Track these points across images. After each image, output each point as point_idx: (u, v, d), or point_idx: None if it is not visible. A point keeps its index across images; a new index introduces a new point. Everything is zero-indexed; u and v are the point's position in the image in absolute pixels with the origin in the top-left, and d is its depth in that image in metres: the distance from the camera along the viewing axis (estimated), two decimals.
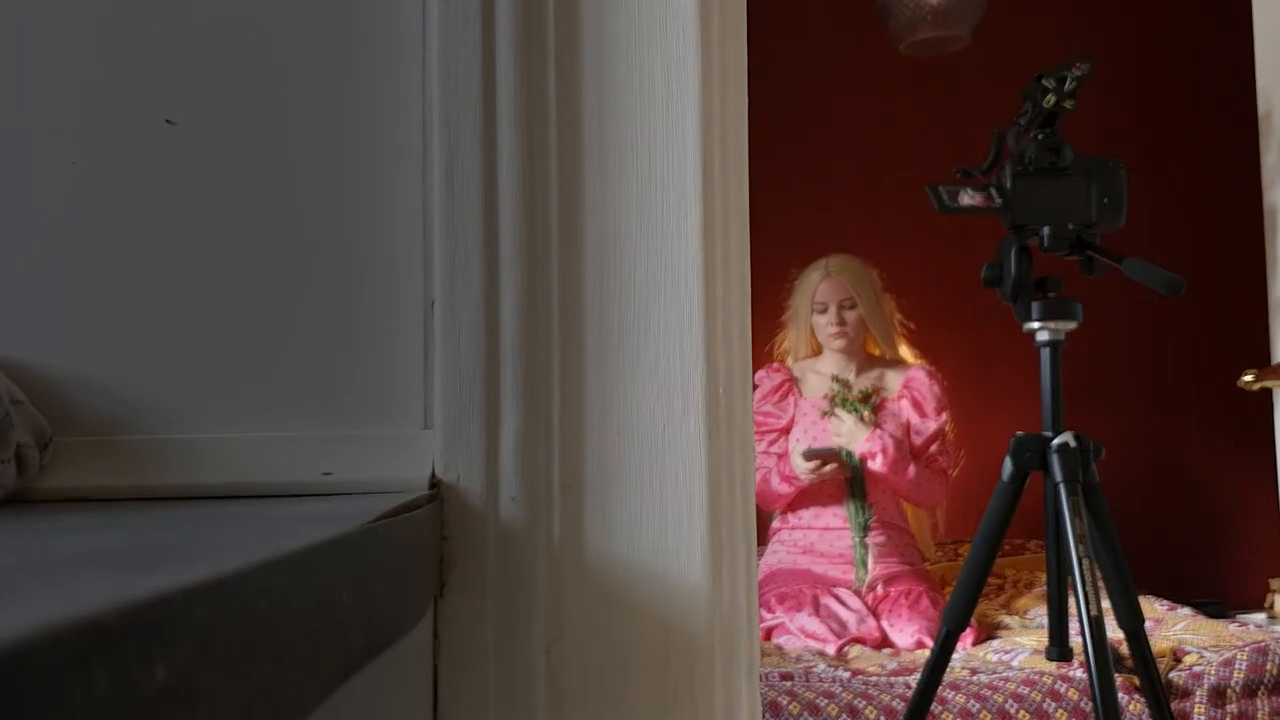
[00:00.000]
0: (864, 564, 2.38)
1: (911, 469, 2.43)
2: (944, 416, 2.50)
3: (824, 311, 2.50)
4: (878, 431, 2.41)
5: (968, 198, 1.60)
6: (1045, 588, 1.64)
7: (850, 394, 2.45)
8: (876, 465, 2.39)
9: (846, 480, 2.42)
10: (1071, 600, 1.52)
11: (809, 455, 2.37)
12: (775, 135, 3.30)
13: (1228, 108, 3.17)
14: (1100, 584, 1.46)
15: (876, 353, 2.60)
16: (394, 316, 0.63)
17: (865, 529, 2.41)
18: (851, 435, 2.41)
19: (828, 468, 2.37)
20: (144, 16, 0.65)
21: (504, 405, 0.60)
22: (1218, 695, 1.82)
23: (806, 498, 2.47)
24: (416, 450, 0.61)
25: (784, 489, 2.43)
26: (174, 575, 0.25)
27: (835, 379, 2.49)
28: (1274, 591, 2.94)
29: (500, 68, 0.61)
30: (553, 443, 0.61)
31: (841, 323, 2.48)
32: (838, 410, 2.44)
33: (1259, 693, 1.83)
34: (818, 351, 2.59)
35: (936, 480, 2.48)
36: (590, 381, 0.61)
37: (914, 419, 2.49)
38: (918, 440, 2.49)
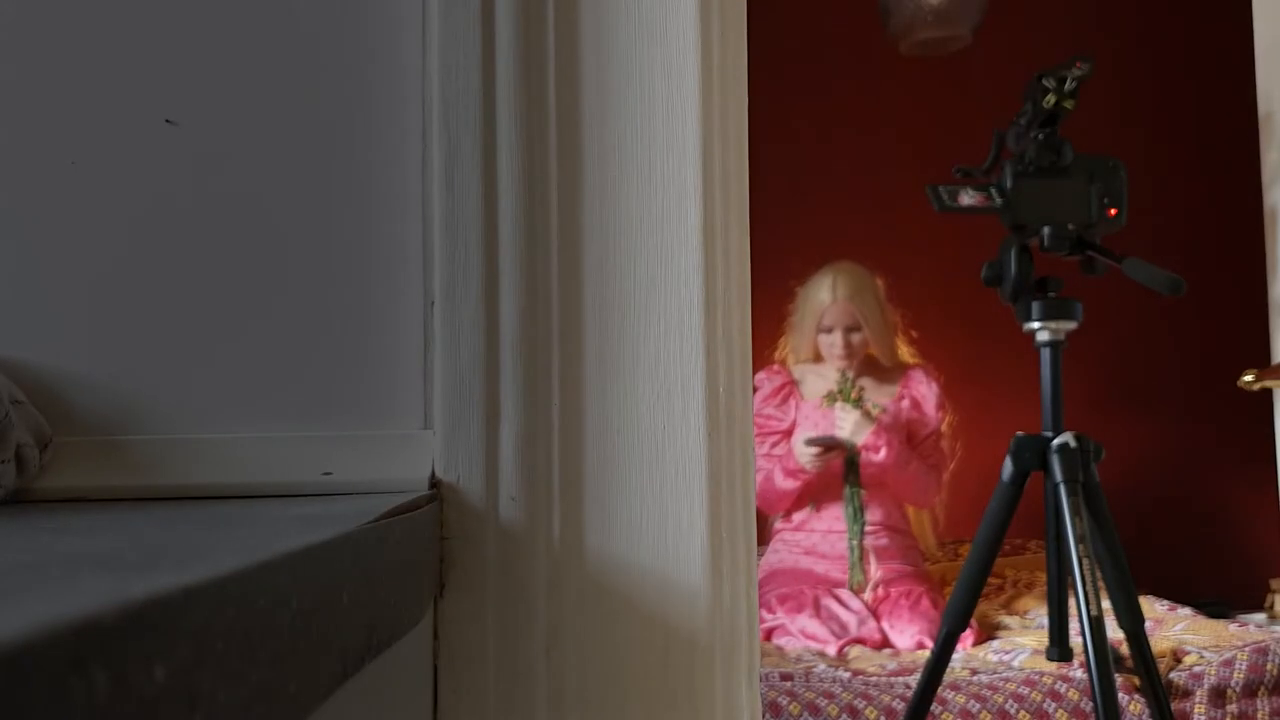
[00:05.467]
0: (859, 567, 2.39)
1: (912, 466, 2.44)
2: (942, 414, 2.52)
3: (830, 333, 2.50)
4: (881, 427, 2.42)
5: (967, 197, 1.60)
6: (1045, 588, 1.64)
7: (854, 390, 2.46)
8: (879, 458, 2.40)
9: (844, 464, 2.44)
10: (1072, 600, 1.52)
11: (811, 442, 2.40)
12: (775, 134, 3.30)
13: (1228, 108, 3.17)
14: (1100, 584, 1.46)
15: (876, 356, 2.60)
16: (394, 316, 0.63)
17: (861, 532, 2.41)
18: (855, 430, 2.42)
19: (831, 452, 2.40)
20: (144, 16, 0.65)
21: (504, 405, 0.60)
22: (1218, 695, 1.82)
23: (808, 493, 2.48)
24: (416, 450, 0.61)
25: (788, 485, 2.44)
26: (173, 575, 0.25)
27: (841, 373, 2.50)
28: (1274, 591, 2.94)
29: (500, 68, 0.61)
30: (552, 443, 0.61)
31: (848, 345, 2.49)
32: (839, 406, 2.45)
33: (1259, 693, 1.83)
34: (819, 358, 2.60)
35: (932, 477, 2.50)
36: (590, 381, 0.61)
37: (914, 416, 2.50)
38: (918, 435, 2.51)
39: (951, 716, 1.76)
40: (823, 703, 1.76)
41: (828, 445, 2.40)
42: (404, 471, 0.61)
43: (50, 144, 0.64)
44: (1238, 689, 1.82)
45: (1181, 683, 1.84)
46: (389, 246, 0.63)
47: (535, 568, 0.60)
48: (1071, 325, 1.60)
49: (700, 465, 0.61)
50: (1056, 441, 1.56)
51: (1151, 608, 2.29)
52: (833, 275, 2.51)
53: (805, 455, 2.40)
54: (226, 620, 0.26)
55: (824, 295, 2.49)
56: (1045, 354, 1.61)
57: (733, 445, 0.63)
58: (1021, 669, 1.94)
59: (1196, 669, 1.86)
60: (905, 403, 2.51)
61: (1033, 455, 1.58)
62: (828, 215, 3.38)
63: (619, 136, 0.62)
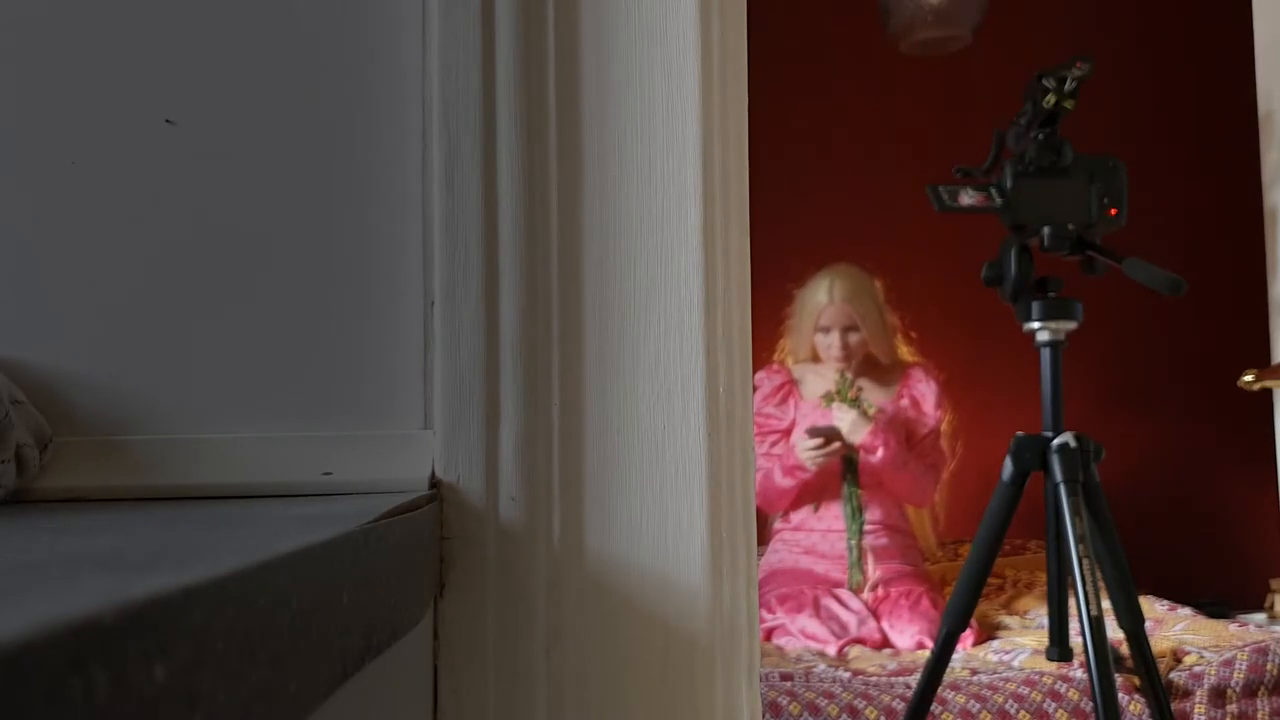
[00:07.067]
0: (858, 566, 2.39)
1: (911, 466, 2.44)
2: (941, 413, 2.52)
3: (827, 333, 2.51)
4: (879, 428, 2.42)
5: (967, 197, 1.60)
6: (1045, 588, 1.64)
7: (851, 390, 2.47)
8: (876, 458, 2.41)
9: (843, 460, 2.44)
10: (1072, 600, 1.52)
11: (813, 433, 2.39)
12: (775, 134, 3.30)
13: (1228, 108, 3.17)
14: (1100, 584, 1.46)
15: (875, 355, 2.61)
16: (394, 316, 0.63)
17: (860, 531, 2.42)
18: (852, 430, 2.43)
19: (833, 446, 2.39)
20: (144, 16, 0.65)
21: (504, 405, 0.60)
22: (1218, 695, 1.82)
23: (808, 493, 2.47)
24: (416, 450, 0.61)
25: (787, 483, 2.44)
26: (173, 575, 0.25)
27: (840, 373, 2.50)
28: (1274, 591, 2.94)
29: (500, 68, 0.61)
30: (552, 443, 0.61)
31: (845, 346, 2.50)
32: (836, 406, 2.45)
33: (1259, 693, 1.83)
34: (818, 359, 2.60)
35: (929, 476, 2.50)
36: (590, 381, 0.61)
37: (912, 415, 2.51)
38: (916, 434, 2.51)
39: (951, 716, 1.76)
40: (823, 703, 1.76)
41: (829, 436, 2.39)
42: (404, 471, 0.61)
43: (50, 144, 0.64)
44: (1238, 689, 1.82)
45: (1181, 683, 1.84)
46: (389, 246, 0.63)
47: (535, 568, 0.60)
48: (1071, 325, 1.60)
49: (700, 465, 0.61)
50: (1056, 441, 1.56)
51: (1151, 608, 2.29)
52: (830, 277, 2.52)
53: (806, 449, 2.40)
54: (226, 620, 0.26)
55: (821, 297, 2.50)
56: (1045, 354, 1.61)
57: (733, 445, 0.63)
58: (1021, 669, 1.94)
59: (1196, 669, 1.86)
60: (904, 401, 2.52)
61: (1033, 455, 1.58)
62: (827, 215, 3.38)
63: (619, 136, 0.62)
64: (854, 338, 2.50)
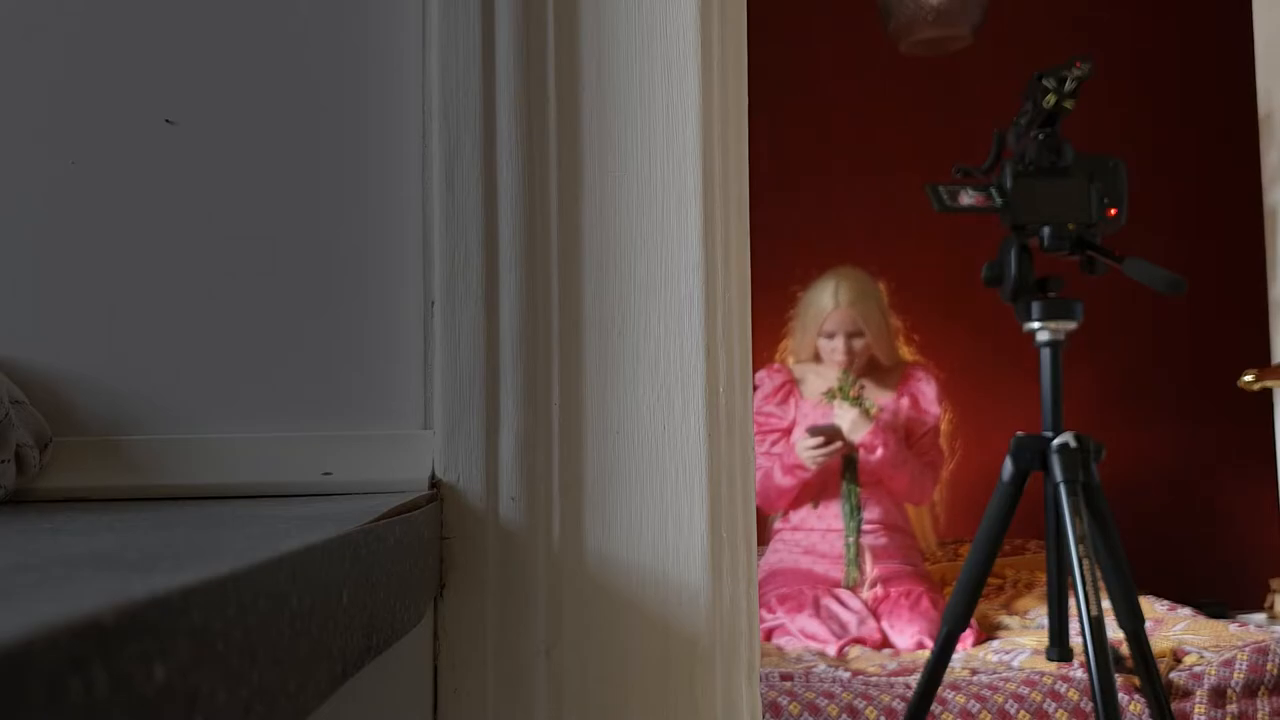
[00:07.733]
0: (855, 563, 2.40)
1: (909, 465, 2.45)
2: (940, 412, 2.53)
3: (831, 338, 2.51)
4: (879, 427, 2.42)
5: (967, 197, 1.61)
6: (1045, 588, 1.64)
7: (853, 388, 2.47)
8: (876, 457, 2.41)
9: (842, 459, 2.44)
10: (1072, 600, 1.52)
11: (813, 431, 2.39)
12: (775, 135, 3.30)
13: (1228, 108, 3.17)
14: (1100, 584, 1.46)
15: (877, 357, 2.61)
16: (394, 316, 0.63)
17: (858, 529, 2.42)
18: (852, 429, 2.43)
19: (833, 445, 2.39)
20: (144, 16, 0.65)
21: (504, 405, 0.60)
22: (1218, 695, 1.82)
23: (807, 492, 2.48)
24: (416, 450, 0.61)
25: (787, 481, 2.44)
26: (173, 576, 0.25)
27: (843, 371, 2.51)
28: (1274, 591, 2.94)
29: (500, 68, 0.61)
30: (552, 443, 0.61)
31: (849, 351, 2.50)
32: (837, 404, 2.46)
33: (1259, 693, 1.83)
34: (820, 359, 2.60)
35: (928, 475, 2.51)
36: (590, 382, 0.61)
37: (912, 414, 2.51)
38: (916, 432, 2.52)
39: (951, 716, 1.76)
40: (823, 703, 1.76)
41: (830, 435, 2.39)
42: (404, 471, 0.61)
43: (50, 144, 0.64)
44: (1238, 689, 1.82)
45: (1181, 683, 1.84)
46: (389, 246, 0.63)
47: (535, 568, 0.60)
48: (1071, 325, 1.61)
49: (700, 465, 0.60)
50: (1056, 441, 1.56)
51: (1151, 608, 2.29)
52: (835, 281, 2.52)
53: (807, 448, 2.40)
54: (226, 620, 0.26)
55: (826, 301, 2.50)
56: (1045, 354, 1.61)
57: (733, 445, 0.63)
58: (1021, 669, 1.94)
59: (1196, 669, 1.86)
60: (904, 400, 2.52)
61: (1033, 455, 1.58)
62: (828, 214, 3.38)
63: (619, 137, 0.62)
64: (858, 343, 2.50)
